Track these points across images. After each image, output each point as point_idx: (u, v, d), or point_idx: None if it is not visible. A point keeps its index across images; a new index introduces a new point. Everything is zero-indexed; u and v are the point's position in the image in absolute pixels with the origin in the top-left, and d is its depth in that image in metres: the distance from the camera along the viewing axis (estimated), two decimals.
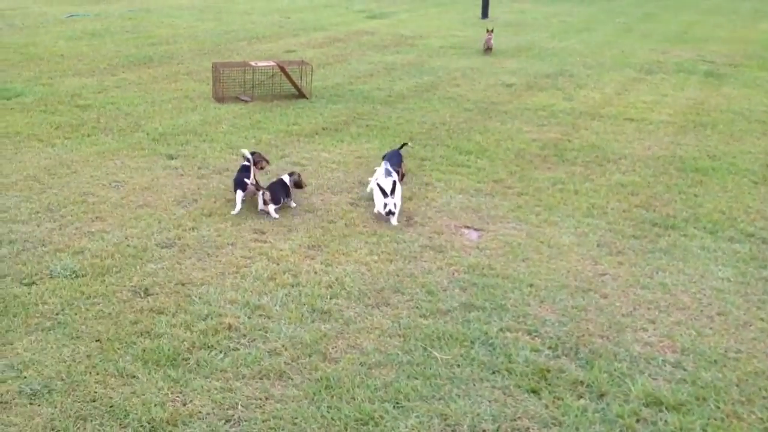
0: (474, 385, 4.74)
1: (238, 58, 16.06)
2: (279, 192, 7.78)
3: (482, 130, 11.73)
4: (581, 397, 4.65)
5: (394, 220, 7.52)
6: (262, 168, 8.55)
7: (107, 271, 6.20)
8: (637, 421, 4.43)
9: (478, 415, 4.40)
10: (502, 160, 10.19)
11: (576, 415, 4.44)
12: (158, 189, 8.38)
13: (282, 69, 13.05)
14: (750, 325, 5.69)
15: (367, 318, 5.58)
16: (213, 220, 7.48)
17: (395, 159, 9.10)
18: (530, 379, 4.80)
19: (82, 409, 4.34)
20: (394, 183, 7.51)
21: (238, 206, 7.73)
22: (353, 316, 5.61)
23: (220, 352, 5.04)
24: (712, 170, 9.98)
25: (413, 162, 9.75)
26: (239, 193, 7.77)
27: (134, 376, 4.70)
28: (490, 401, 4.56)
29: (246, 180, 7.80)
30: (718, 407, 4.59)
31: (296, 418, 4.34)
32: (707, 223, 7.93)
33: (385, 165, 8.07)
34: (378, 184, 7.55)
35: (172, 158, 9.57)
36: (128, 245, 6.75)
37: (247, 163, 8.19)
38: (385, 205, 7.45)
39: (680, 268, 6.74)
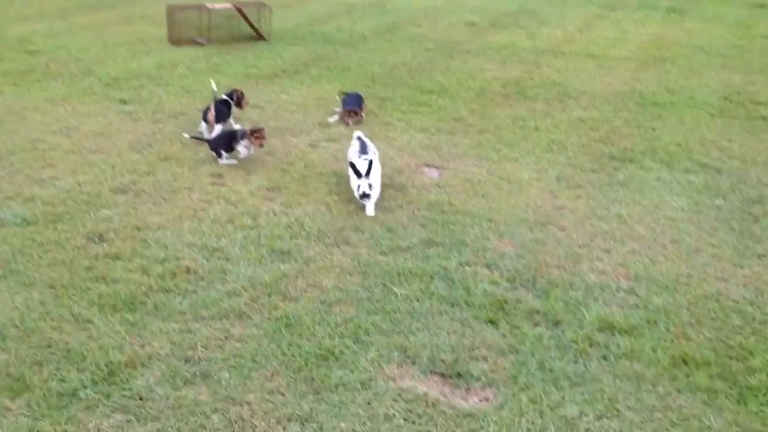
0: (433, 318, 4.79)
1: (194, 1, 15.62)
2: (221, 143, 7.51)
3: (444, 70, 11.64)
4: (537, 325, 4.73)
5: (369, 207, 6.40)
6: (242, 108, 8.50)
7: (59, 218, 6.09)
8: (591, 345, 4.52)
9: (437, 346, 4.46)
10: (463, 98, 10.14)
11: (532, 343, 4.52)
12: (111, 134, 8.20)
13: (239, 11, 12.75)
14: (701, 252, 5.80)
15: (326, 257, 5.58)
16: (169, 164, 7.36)
17: (355, 100, 9.00)
18: (488, 310, 4.86)
19: (37, 355, 4.30)
20: (371, 163, 6.42)
21: (243, 153, 7.44)
22: (313, 255, 5.60)
23: (179, 294, 5.01)
24: (670, 104, 10.06)
25: (374, 102, 9.66)
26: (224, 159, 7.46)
27: (90, 321, 4.65)
28: (449, 333, 4.61)
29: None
30: (668, 330, 4.70)
31: (257, 356, 4.35)
32: (664, 156, 8.01)
33: (359, 139, 7.01)
34: (351, 163, 6.50)
35: (126, 103, 9.36)
36: (81, 192, 6.62)
37: (224, 98, 8.19)
38: (359, 187, 6.35)
39: (636, 200, 6.83)
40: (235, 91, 8.49)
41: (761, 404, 3.99)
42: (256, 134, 7.30)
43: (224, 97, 8.34)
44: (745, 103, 10.13)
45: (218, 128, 8.11)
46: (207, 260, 5.47)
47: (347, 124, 8.78)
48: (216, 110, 8.09)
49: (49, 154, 7.53)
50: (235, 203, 6.49)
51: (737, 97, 10.46)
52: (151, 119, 8.78)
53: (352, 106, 8.90)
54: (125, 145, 7.88)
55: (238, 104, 8.43)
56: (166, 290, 5.05)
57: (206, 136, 8.01)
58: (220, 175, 7.14)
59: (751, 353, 4.45)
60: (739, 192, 7.03)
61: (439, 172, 7.46)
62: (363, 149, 6.80)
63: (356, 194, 6.38)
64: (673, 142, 8.50)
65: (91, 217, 6.12)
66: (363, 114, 8.99)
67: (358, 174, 6.34)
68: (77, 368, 4.20)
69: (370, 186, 6.31)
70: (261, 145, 7.39)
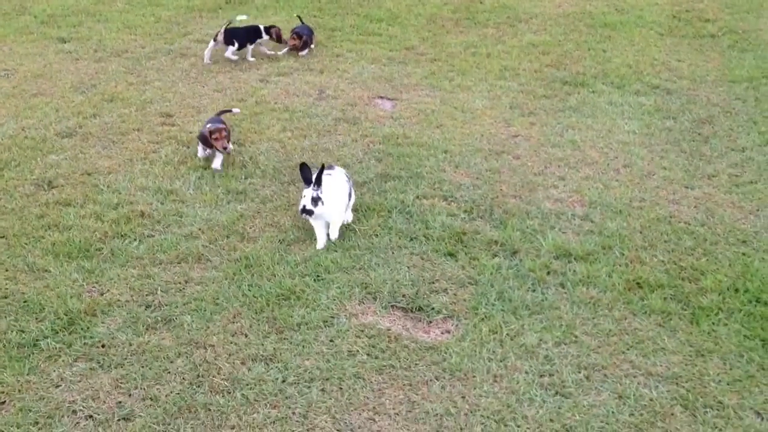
0: (393, 253, 4.81)
1: None
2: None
3: None
4: (495, 255, 4.80)
5: (333, 230, 4.91)
6: (281, 42, 8.64)
7: (5, 165, 5.89)
8: (548, 273, 4.61)
9: (397, 281, 4.50)
10: (413, 26, 9.98)
11: (491, 273, 4.59)
12: (52, 75, 7.89)
13: None
14: (653, 175, 5.91)
15: (283, 195, 5.53)
16: (115, 105, 7.14)
17: (306, 30, 8.78)
18: (447, 243, 4.91)
19: None
20: (320, 171, 4.77)
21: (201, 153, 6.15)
22: (269, 194, 5.54)
23: (135, 239, 4.94)
24: (620, 24, 10.04)
25: (323, 33, 9.44)
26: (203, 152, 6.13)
27: (46, 270, 4.57)
28: (408, 267, 4.65)
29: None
30: (623, 254, 4.82)
31: (217, 298, 4.34)
32: (615, 78, 8.05)
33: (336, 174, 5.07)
34: (301, 165, 4.86)
35: (65, 41, 8.98)
36: (26, 137, 6.40)
37: (255, 26, 8.50)
38: (303, 197, 4.78)
39: (589, 125, 6.88)
40: (273, 27, 8.62)
41: (713, 324, 4.15)
42: (214, 135, 5.83)
43: (257, 25, 8.60)
44: (693, 21, 10.17)
45: (230, 50, 8.34)
46: (161, 203, 5.38)
47: (297, 51, 8.67)
48: (229, 32, 8.30)
49: None
50: (186, 143, 6.35)
51: (685, 15, 10.49)
52: (92, 58, 8.46)
53: (305, 33, 8.71)
54: (68, 86, 7.59)
55: (278, 39, 8.58)
56: (122, 236, 4.97)
57: (206, 59, 8.38)
58: (170, 115, 6.95)
59: (702, 274, 4.60)
60: (689, 112, 7.12)
61: (392, 103, 7.39)
62: (329, 168, 5.12)
63: (299, 207, 4.81)
64: (623, 64, 8.53)
65: (39, 163, 5.94)
66: (313, 45, 8.79)
67: (306, 179, 4.80)
68: (36, 318, 4.14)
69: (315, 200, 4.72)
70: (224, 148, 5.87)
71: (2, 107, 7.04)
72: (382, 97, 7.52)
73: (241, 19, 9.14)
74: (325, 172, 4.87)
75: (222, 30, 8.29)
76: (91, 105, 7.11)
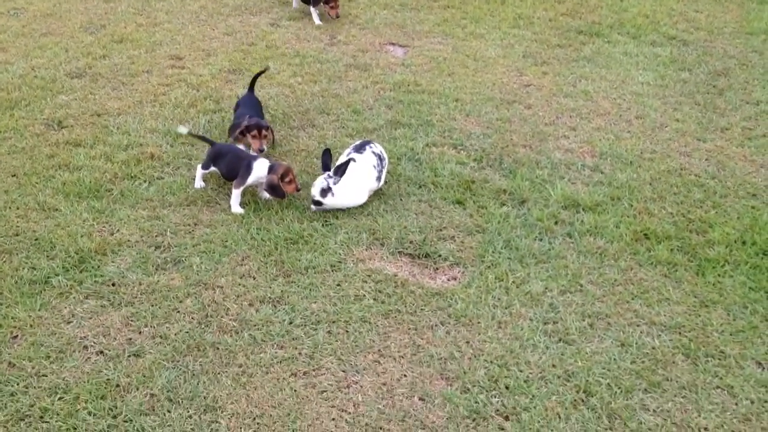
0: (401, 200, 4.82)
1: None
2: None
3: None
4: (504, 204, 4.80)
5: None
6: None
7: (16, 104, 5.89)
8: (556, 223, 4.62)
9: (404, 227, 4.51)
10: None
11: (498, 222, 4.60)
12: (62, 15, 7.82)
13: None
14: (666, 127, 5.86)
15: (292, 140, 5.52)
16: (125, 46, 7.09)
17: None
18: (455, 191, 4.91)
19: (5, 243, 4.27)
20: (347, 163, 4.58)
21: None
22: (278, 139, 5.53)
23: (144, 181, 4.96)
24: None
25: None
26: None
27: (57, 209, 4.61)
28: (416, 214, 4.66)
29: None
30: (632, 205, 4.81)
31: (226, 241, 4.38)
32: (631, 28, 7.92)
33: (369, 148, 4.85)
34: (324, 151, 4.66)
35: None
36: (35, 76, 6.38)
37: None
38: (313, 186, 4.63)
39: (602, 75, 6.79)
40: None
41: (719, 275, 4.16)
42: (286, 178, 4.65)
43: None
44: None
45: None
46: (171, 146, 5.39)
47: (334, 16, 7.99)
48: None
49: None
50: (196, 86, 6.33)
51: None
52: None
53: None
54: (77, 26, 7.53)
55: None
56: (132, 177, 4.99)
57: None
58: (179, 58, 6.90)
59: (710, 226, 4.59)
60: (705, 64, 7.02)
61: (404, 50, 7.30)
62: (360, 149, 4.82)
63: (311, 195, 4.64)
64: (640, 14, 8.39)
65: (49, 103, 5.93)
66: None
67: (326, 165, 4.63)
68: (47, 256, 4.19)
69: (324, 191, 4.57)
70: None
71: (12, 46, 7.00)
72: (393, 44, 7.43)
73: None
74: (351, 154, 4.73)
75: None
76: (100, 46, 7.06)
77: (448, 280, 4.13)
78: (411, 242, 4.39)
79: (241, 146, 5.08)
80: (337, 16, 7.95)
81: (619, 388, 3.41)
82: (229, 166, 4.77)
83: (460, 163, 5.25)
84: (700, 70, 6.91)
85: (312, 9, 8.03)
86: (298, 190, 4.69)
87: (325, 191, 4.59)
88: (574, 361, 3.55)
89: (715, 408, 3.34)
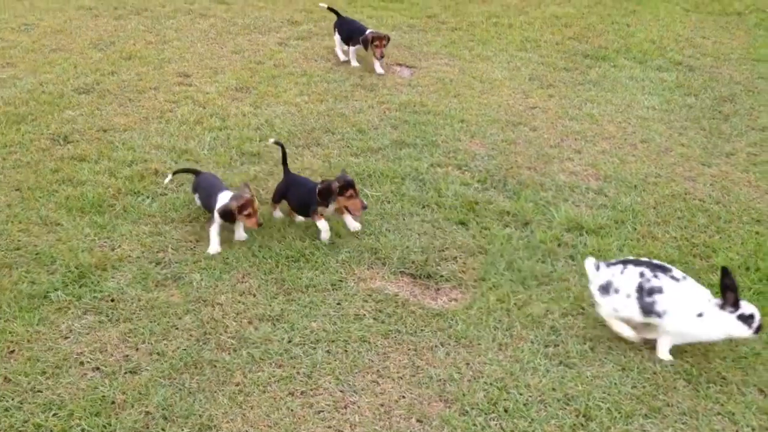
0: (404, 220, 4.81)
1: None
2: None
3: None
4: (507, 226, 4.78)
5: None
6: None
7: (22, 119, 5.92)
8: (559, 245, 4.59)
9: (407, 247, 4.49)
10: None
11: (501, 243, 4.57)
12: (72, 31, 7.89)
13: None
14: (670, 151, 5.84)
15: (297, 159, 5.53)
16: (133, 63, 7.14)
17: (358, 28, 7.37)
18: (459, 211, 4.89)
19: (6, 257, 4.27)
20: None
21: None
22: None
23: (148, 197, 4.96)
24: (646, 0, 9.88)
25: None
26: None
27: (58, 224, 4.61)
28: (419, 234, 4.65)
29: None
30: (635, 229, 4.79)
31: (227, 258, 4.36)
32: (637, 53, 7.94)
33: None
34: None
35: None
36: (43, 91, 6.42)
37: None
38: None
39: (608, 99, 6.80)
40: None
41: None
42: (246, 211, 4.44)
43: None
44: None
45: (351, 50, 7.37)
46: (175, 162, 5.40)
47: (379, 57, 7.14)
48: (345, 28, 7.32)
49: (8, 53, 7.25)
50: (203, 104, 6.35)
51: None
52: (112, 15, 8.45)
53: (375, 33, 7.18)
54: (87, 42, 7.60)
55: (365, 45, 7.20)
56: (135, 193, 5.00)
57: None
58: (187, 75, 6.94)
59: (714, 251, 4.56)
60: (711, 90, 7.02)
61: (410, 71, 7.33)
62: None
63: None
64: (647, 39, 8.41)
65: (55, 119, 5.96)
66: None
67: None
68: (47, 270, 4.19)
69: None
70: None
71: (21, 61, 7.06)
72: (400, 65, 7.46)
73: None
74: None
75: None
76: (109, 62, 7.11)
77: (450, 300, 4.10)
78: (413, 262, 4.37)
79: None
80: (382, 57, 7.13)
81: (619, 412, 3.37)
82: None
83: (464, 183, 5.24)
84: (706, 95, 6.91)
85: (350, 49, 7.39)
86: (260, 225, 4.46)
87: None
88: (574, 385, 3.51)
89: None
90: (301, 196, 4.64)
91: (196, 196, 4.78)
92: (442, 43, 8.10)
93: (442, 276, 4.26)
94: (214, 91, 6.62)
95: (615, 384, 3.54)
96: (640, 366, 3.65)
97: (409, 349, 3.71)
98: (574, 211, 4.96)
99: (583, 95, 6.87)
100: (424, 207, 4.94)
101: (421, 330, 3.84)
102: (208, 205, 4.62)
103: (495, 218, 4.85)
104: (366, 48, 7.13)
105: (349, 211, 4.55)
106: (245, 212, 4.41)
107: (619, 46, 8.15)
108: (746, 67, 7.62)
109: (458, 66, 7.46)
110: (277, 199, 4.80)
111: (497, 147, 5.81)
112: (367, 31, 7.13)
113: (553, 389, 3.49)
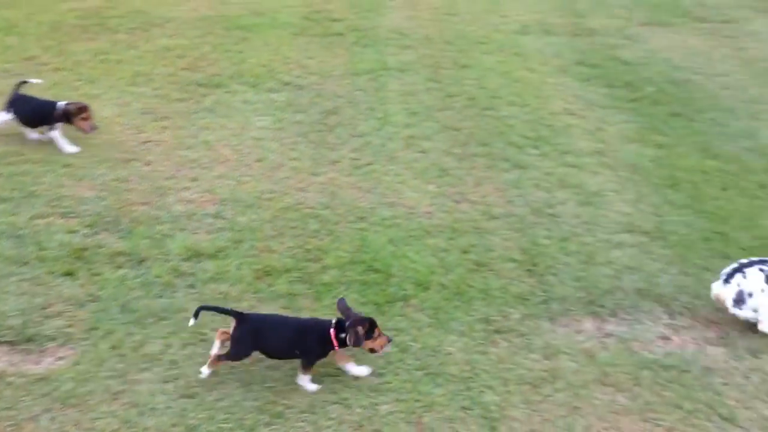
0: None
1: None
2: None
3: (9, 4, 10.37)
4: (120, 267, 4.54)
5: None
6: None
7: None
8: (177, 276, 4.49)
9: (3, 313, 4.02)
10: (34, 34, 9.15)
11: (114, 287, 4.33)
12: None
13: None
14: (283, 166, 6.08)
15: None
16: None
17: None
18: (64, 262, 4.53)
19: None
20: None
21: None
22: None
23: None
24: (256, 26, 10.23)
25: None
26: None
27: None
28: (16, 296, 4.20)
29: None
30: (254, 246, 4.87)
31: None
32: (250, 78, 8.17)
33: None
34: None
35: None
36: None
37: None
38: None
39: (223, 124, 6.88)
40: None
41: (333, 297, 4.33)
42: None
43: None
44: (323, 21, 10.72)
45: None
46: None
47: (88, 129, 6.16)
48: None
49: None
50: None
51: (316, 15, 11.02)
52: None
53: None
54: None
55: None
56: None
57: None
58: None
59: (325, 253, 4.81)
60: (317, 105, 7.47)
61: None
62: None
63: None
64: (258, 63, 8.70)
65: None
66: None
67: None
68: None
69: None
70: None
71: None
72: None
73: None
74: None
75: None
76: None
77: (56, 360, 3.76)
78: (10, 328, 3.93)
79: None
80: (92, 129, 6.12)
81: (242, 428, 3.36)
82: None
83: (70, 231, 4.88)
84: (314, 110, 7.34)
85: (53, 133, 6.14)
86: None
87: None
88: (196, 414, 3.43)
89: None
90: None
91: None
92: (45, 85, 7.51)
93: (45, 335, 3.89)
94: None
95: (237, 402, 3.52)
96: (262, 378, 3.68)
97: (8, 426, 3.30)
98: (191, 239, 4.90)
99: (198, 123, 6.86)
100: (23, 264, 4.50)
101: (21, 400, 3.45)
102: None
103: (107, 262, 4.59)
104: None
105: None
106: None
107: (233, 72, 8.31)
108: (347, 81, 8.26)
109: None
110: None
111: (107, 187, 5.52)
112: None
113: (173, 425, 3.36)
